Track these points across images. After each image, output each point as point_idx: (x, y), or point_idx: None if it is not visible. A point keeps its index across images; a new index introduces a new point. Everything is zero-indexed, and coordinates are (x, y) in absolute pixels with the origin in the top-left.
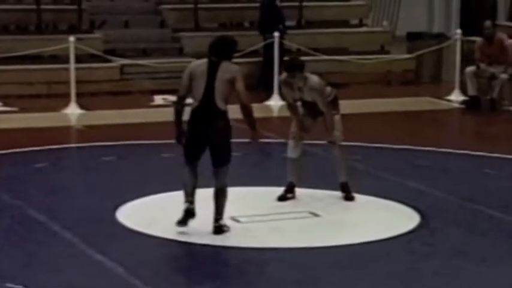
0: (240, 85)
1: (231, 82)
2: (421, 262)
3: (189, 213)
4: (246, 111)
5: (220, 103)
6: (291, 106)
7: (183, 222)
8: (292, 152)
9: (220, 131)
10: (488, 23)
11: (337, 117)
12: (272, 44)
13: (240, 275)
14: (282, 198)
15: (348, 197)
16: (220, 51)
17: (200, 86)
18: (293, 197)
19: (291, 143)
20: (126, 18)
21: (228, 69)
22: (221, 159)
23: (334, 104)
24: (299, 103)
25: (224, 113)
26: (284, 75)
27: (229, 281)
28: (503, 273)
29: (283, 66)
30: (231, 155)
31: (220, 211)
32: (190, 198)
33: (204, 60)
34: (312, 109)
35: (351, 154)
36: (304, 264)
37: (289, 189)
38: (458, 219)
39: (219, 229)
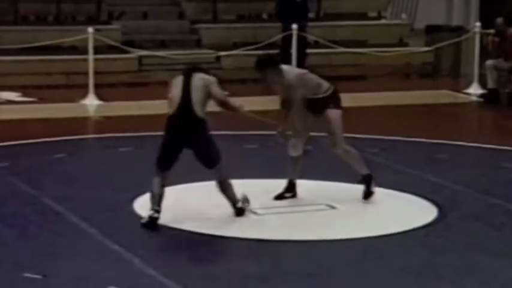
0: (215, 89)
1: (206, 89)
2: (437, 256)
3: (153, 222)
4: (227, 107)
5: (197, 109)
6: (284, 102)
7: (147, 227)
8: (294, 151)
9: (199, 135)
10: (500, 20)
11: (337, 112)
12: (290, 36)
13: (254, 267)
14: (279, 197)
15: (366, 193)
16: (194, 70)
17: (176, 95)
18: (294, 196)
19: (292, 140)
20: (145, 10)
21: (201, 77)
22: (211, 161)
23: (334, 98)
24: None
25: (201, 120)
26: None
27: (244, 273)
28: None
29: (301, 59)
30: (218, 152)
31: (233, 199)
32: (157, 207)
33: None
34: (310, 105)
35: (367, 149)
36: (319, 257)
37: (289, 188)
38: (475, 213)
39: (240, 211)
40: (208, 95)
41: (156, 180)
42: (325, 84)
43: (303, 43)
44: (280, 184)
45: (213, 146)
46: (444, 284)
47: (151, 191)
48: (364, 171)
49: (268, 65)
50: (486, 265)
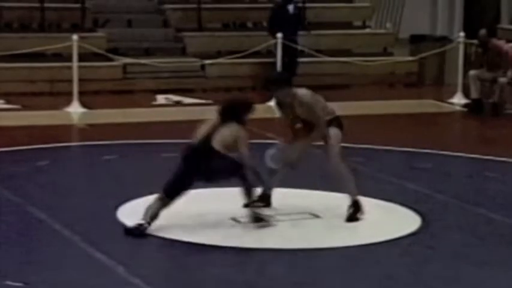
0: (242, 148)
1: (233, 138)
2: (421, 265)
3: (140, 231)
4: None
5: (217, 145)
6: (290, 128)
7: (131, 233)
8: (274, 163)
9: (215, 166)
10: (483, 31)
11: (337, 131)
12: (285, 45)
13: (239, 276)
14: (247, 205)
15: (349, 217)
16: (229, 113)
17: (202, 130)
18: (267, 205)
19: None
20: (129, 18)
21: (232, 129)
22: (231, 176)
23: (337, 121)
24: (299, 125)
25: (218, 152)
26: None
27: (229, 282)
28: (503, 277)
29: (293, 68)
30: (233, 167)
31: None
32: (149, 220)
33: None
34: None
35: (351, 158)
36: (304, 266)
37: (263, 197)
38: (459, 223)
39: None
40: (233, 144)
41: (158, 203)
42: (330, 107)
43: (294, 53)
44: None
45: (226, 165)
46: None
47: (150, 207)
48: (353, 196)
49: (274, 83)
50: (469, 275)
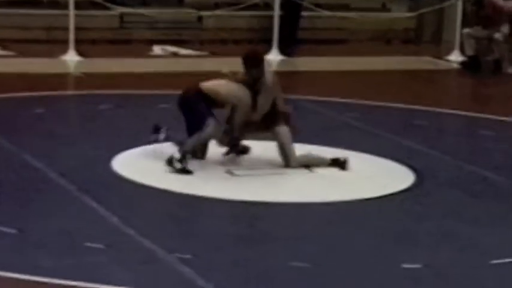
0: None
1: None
2: (413, 221)
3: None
4: None
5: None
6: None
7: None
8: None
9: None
10: None
11: (285, 129)
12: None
13: (232, 228)
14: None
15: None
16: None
17: None
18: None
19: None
20: None
21: None
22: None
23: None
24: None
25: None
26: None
27: (221, 234)
28: (495, 234)
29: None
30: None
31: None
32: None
33: None
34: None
35: (347, 113)
36: (297, 220)
37: None
38: (452, 180)
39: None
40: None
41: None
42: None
43: (296, 8)
44: (261, 146)
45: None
46: (420, 250)
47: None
48: (327, 160)
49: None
50: (462, 232)
